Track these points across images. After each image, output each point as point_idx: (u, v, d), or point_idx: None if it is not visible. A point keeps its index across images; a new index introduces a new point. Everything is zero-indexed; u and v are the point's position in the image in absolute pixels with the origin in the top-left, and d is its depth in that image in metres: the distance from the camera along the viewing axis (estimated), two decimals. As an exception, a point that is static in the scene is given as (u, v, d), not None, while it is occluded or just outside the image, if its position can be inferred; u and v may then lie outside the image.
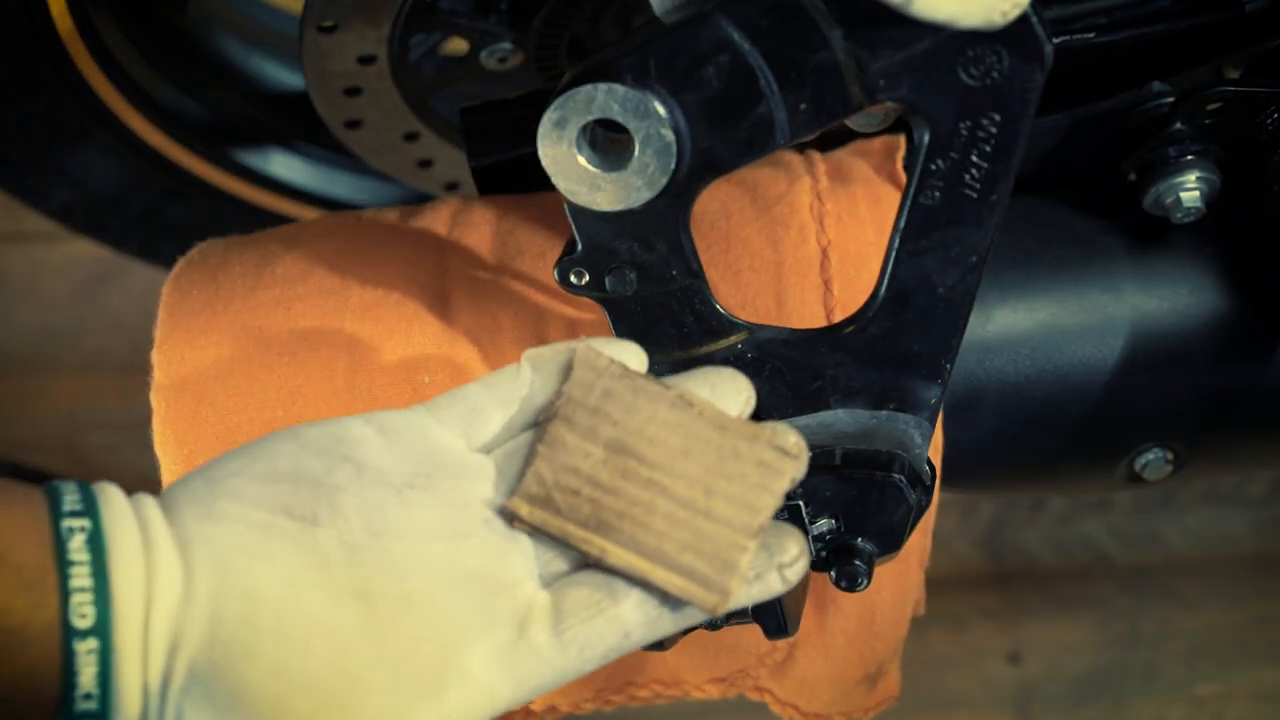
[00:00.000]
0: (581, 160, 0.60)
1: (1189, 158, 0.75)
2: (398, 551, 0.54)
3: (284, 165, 1.08)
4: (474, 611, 0.54)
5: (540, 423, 0.59)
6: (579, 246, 0.63)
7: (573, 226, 0.63)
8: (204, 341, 0.73)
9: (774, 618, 0.64)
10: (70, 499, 0.52)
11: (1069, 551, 1.37)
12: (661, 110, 0.58)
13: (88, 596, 0.50)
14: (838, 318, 0.73)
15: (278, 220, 1.07)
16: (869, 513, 0.65)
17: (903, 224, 0.62)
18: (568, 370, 0.59)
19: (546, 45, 0.91)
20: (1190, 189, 0.75)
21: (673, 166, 0.59)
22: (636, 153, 0.59)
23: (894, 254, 0.62)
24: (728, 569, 0.55)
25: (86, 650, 0.50)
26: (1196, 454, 0.81)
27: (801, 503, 0.65)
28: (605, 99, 0.58)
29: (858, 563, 0.65)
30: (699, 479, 0.57)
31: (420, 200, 0.97)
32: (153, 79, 0.99)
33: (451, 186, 1.04)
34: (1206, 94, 0.73)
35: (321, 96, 0.92)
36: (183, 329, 0.74)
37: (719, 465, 0.57)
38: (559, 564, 0.57)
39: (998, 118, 0.58)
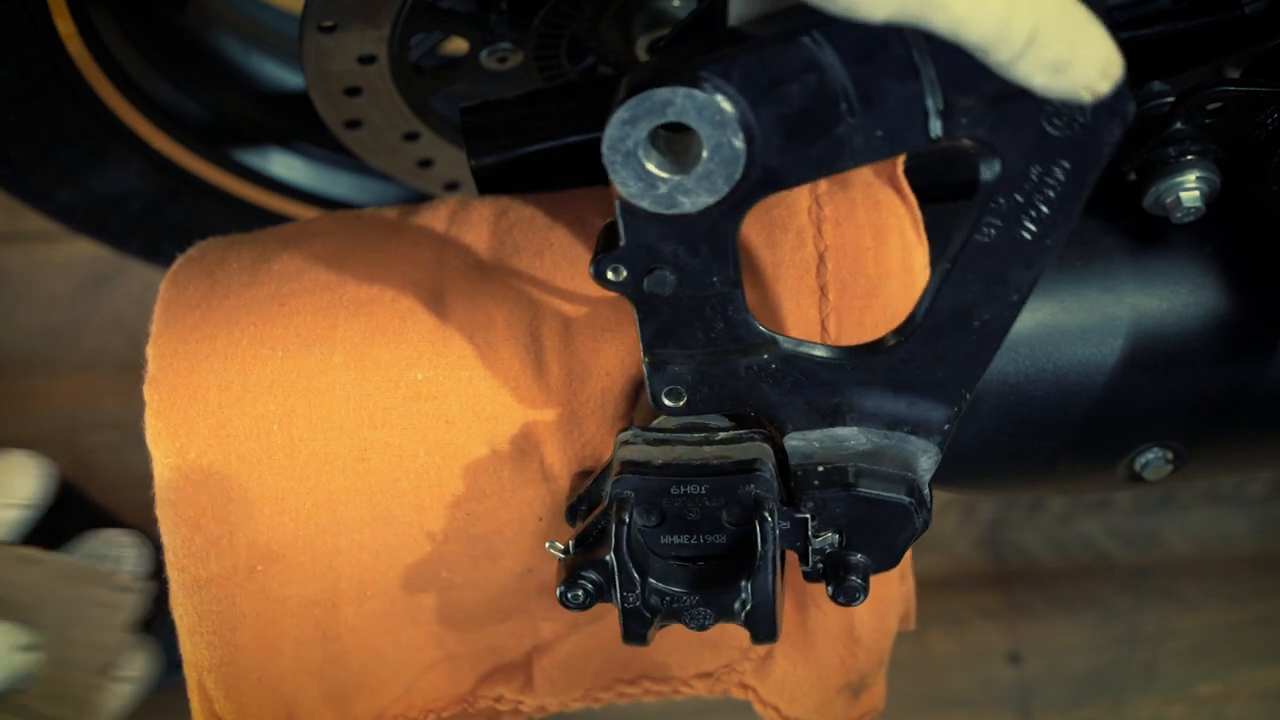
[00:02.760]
0: (646, 161, 0.58)
1: (1189, 158, 0.75)
2: None
3: (284, 165, 1.08)
4: None
5: None
6: (622, 242, 0.62)
7: (619, 223, 0.61)
8: (198, 336, 0.73)
9: (766, 624, 0.65)
10: None
11: (1069, 551, 1.37)
12: (738, 122, 0.57)
13: None
14: (831, 323, 0.73)
15: (278, 220, 1.07)
16: (874, 531, 0.66)
17: (954, 255, 0.61)
18: None
19: (546, 45, 0.91)
20: (1190, 189, 0.75)
21: (738, 177, 0.58)
22: (704, 160, 0.58)
23: (938, 285, 0.62)
24: (89, 710, 0.60)
25: None
26: (1196, 454, 0.81)
27: (809, 515, 0.65)
28: (683, 103, 0.57)
29: (854, 578, 0.66)
30: (56, 631, 0.61)
31: (420, 200, 0.97)
32: (153, 79, 0.99)
33: (451, 186, 1.04)
34: (1206, 94, 0.73)
35: (321, 96, 0.92)
36: (178, 323, 0.74)
37: (72, 613, 0.61)
38: None
39: (1068, 165, 0.57)
